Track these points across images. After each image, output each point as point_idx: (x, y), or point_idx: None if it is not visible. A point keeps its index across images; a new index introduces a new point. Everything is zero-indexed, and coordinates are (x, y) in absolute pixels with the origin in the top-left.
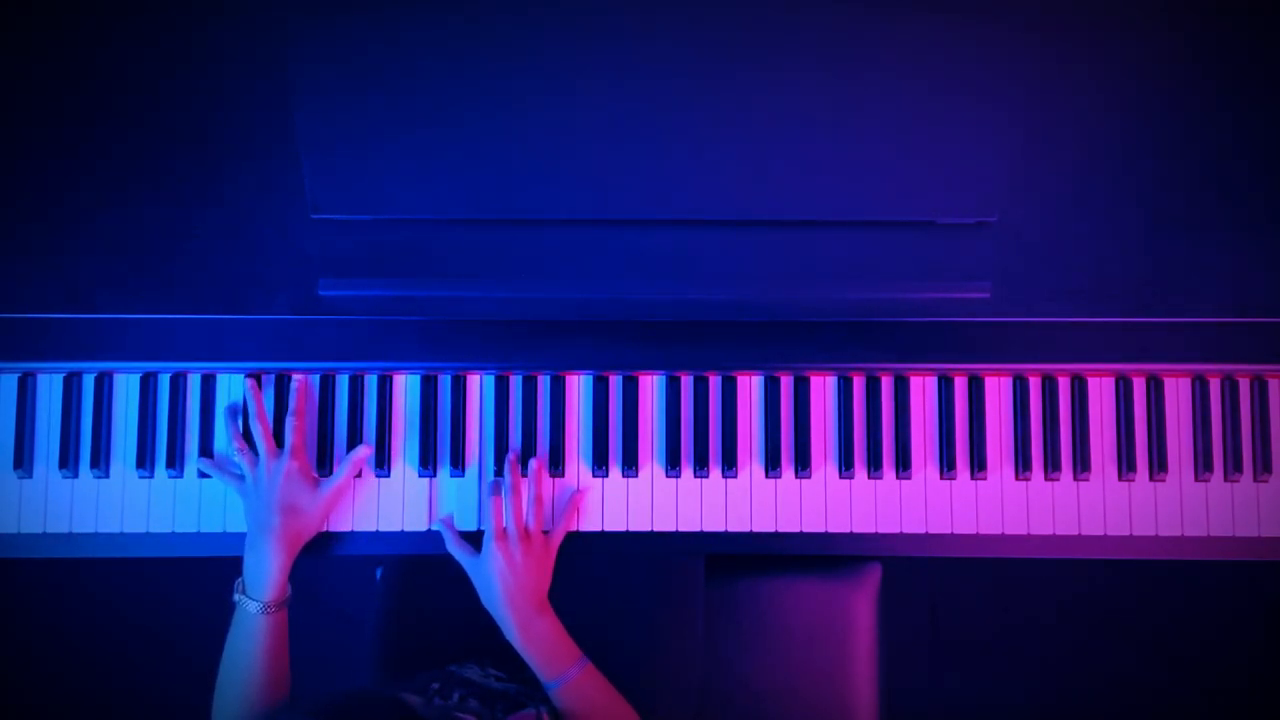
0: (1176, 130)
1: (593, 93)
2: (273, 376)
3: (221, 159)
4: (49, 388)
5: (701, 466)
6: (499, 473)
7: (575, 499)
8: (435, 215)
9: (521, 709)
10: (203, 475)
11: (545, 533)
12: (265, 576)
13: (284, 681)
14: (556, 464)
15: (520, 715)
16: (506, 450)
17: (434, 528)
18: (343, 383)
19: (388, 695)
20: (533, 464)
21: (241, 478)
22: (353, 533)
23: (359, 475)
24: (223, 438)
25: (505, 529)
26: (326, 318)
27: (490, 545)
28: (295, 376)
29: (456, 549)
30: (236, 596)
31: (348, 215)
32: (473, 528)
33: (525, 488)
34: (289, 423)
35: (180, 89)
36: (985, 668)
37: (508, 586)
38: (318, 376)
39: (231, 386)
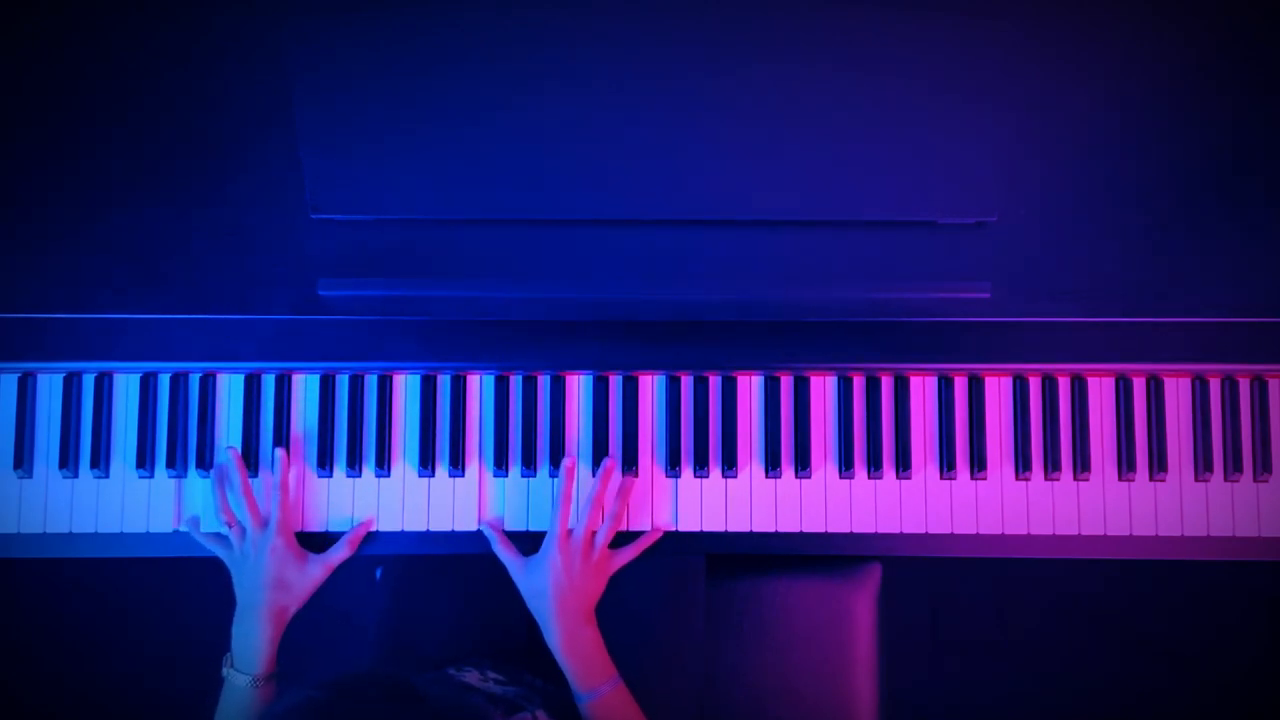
0: (1176, 130)
1: (593, 93)
2: (273, 376)
3: (221, 159)
4: (49, 388)
5: (701, 466)
6: (554, 473)
7: (625, 489)
8: (435, 215)
9: (519, 711)
10: (203, 475)
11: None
12: (254, 652)
13: None
14: (557, 464)
15: (517, 718)
16: (506, 450)
17: (480, 528)
18: (343, 383)
19: (400, 678)
20: (604, 464)
21: (229, 546)
22: None
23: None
24: (223, 443)
25: (571, 533)
26: (326, 318)
27: (552, 548)
28: (277, 451)
29: (503, 553)
30: (226, 671)
31: (348, 215)
32: (473, 528)
33: (599, 492)
34: (273, 497)
35: (180, 89)
36: (985, 668)
37: (562, 592)
38: (317, 377)
39: (232, 386)
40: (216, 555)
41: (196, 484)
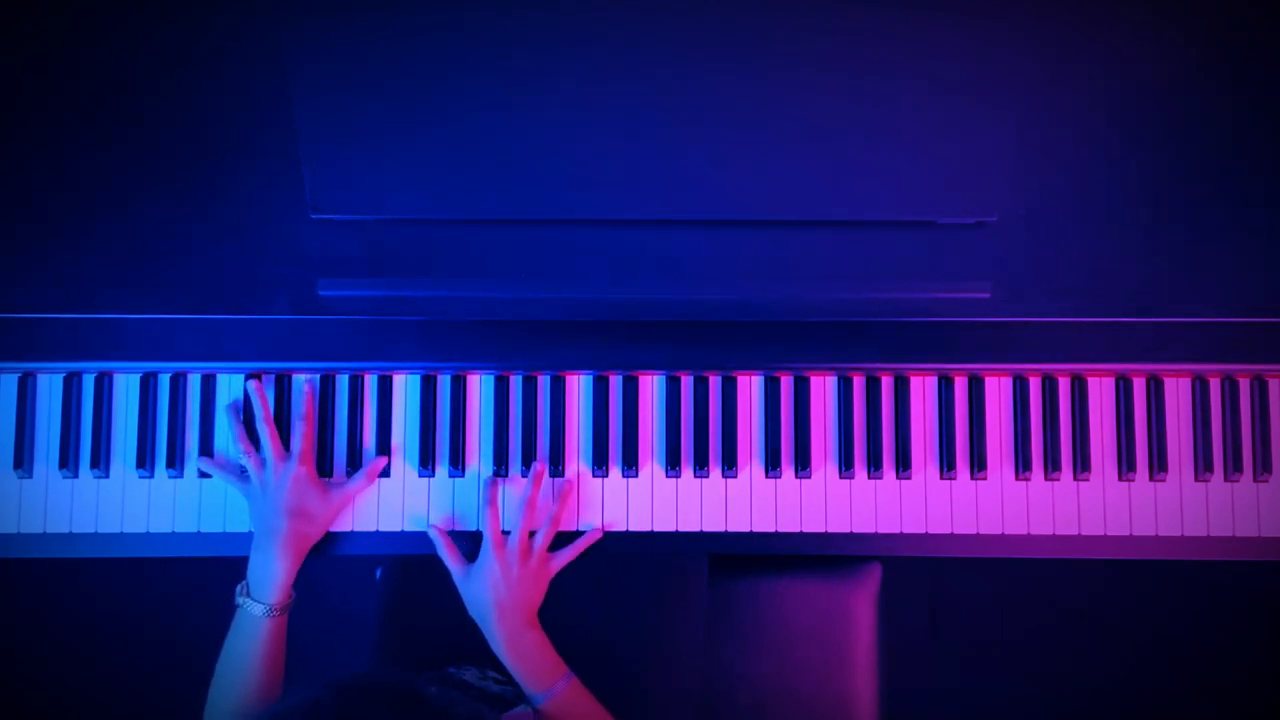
0: (1176, 130)
1: (593, 93)
2: (272, 376)
3: (221, 159)
4: (49, 388)
5: (701, 466)
6: (498, 474)
7: (564, 492)
8: (435, 215)
9: (514, 707)
10: (203, 475)
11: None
12: (271, 580)
13: (279, 685)
14: (556, 464)
15: (514, 714)
16: (506, 450)
17: (427, 531)
18: (343, 383)
19: (404, 681)
20: (535, 468)
21: (245, 478)
22: (352, 532)
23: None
24: (224, 436)
25: (505, 538)
26: (326, 318)
27: (489, 554)
28: (301, 380)
29: (448, 558)
30: (240, 599)
31: (348, 215)
32: (473, 527)
33: (532, 494)
34: (297, 427)
35: (180, 89)
36: (985, 668)
37: (500, 598)
38: (318, 377)
39: (232, 386)
40: (233, 485)
41: (196, 484)
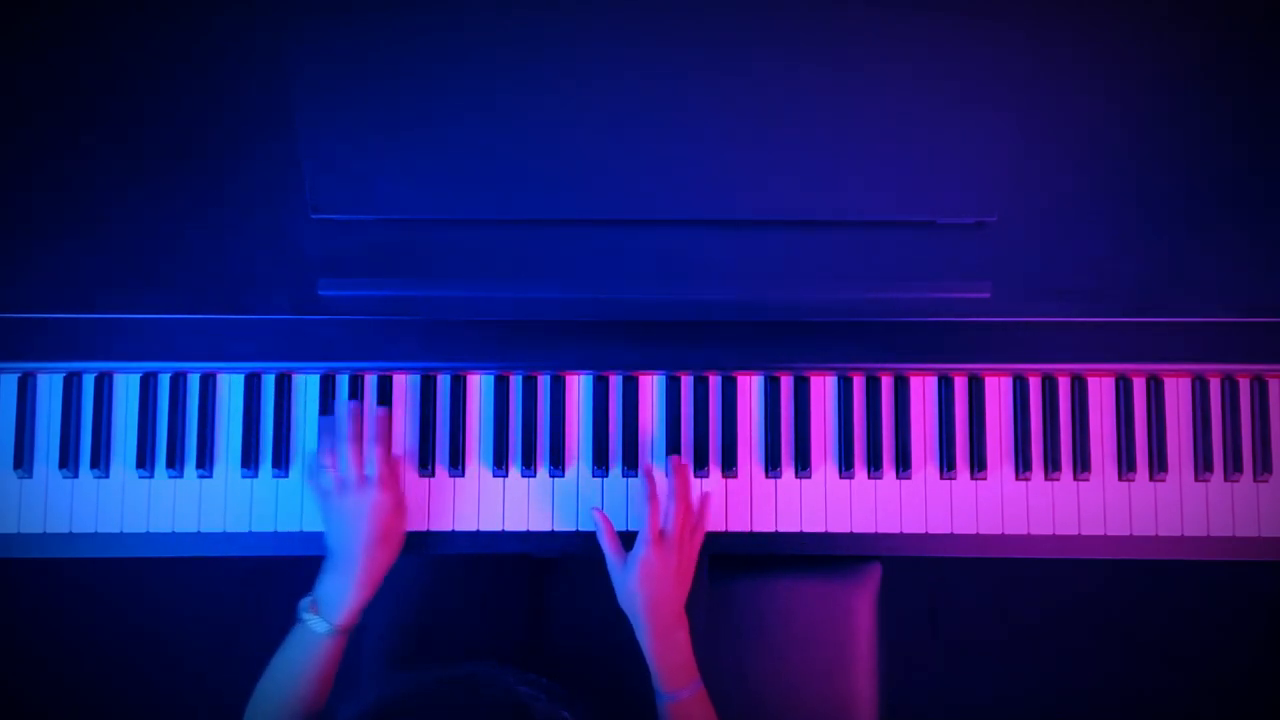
0: (1176, 129)
1: (593, 93)
2: (272, 376)
3: (221, 159)
4: (49, 388)
5: (701, 466)
6: (555, 473)
7: (707, 500)
8: (435, 215)
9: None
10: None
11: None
12: (344, 604)
13: (324, 699)
14: (557, 464)
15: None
16: (506, 450)
17: (592, 514)
18: (343, 383)
19: (511, 689)
20: (674, 461)
21: (325, 489)
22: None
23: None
24: (291, 443)
25: (664, 534)
26: (326, 318)
27: (647, 550)
28: (378, 408)
29: (607, 545)
30: (306, 615)
31: (348, 215)
32: (471, 528)
33: (687, 489)
34: (374, 452)
35: (180, 89)
36: (985, 668)
37: (655, 594)
38: (317, 378)
39: (232, 386)
40: (312, 492)
41: (196, 484)
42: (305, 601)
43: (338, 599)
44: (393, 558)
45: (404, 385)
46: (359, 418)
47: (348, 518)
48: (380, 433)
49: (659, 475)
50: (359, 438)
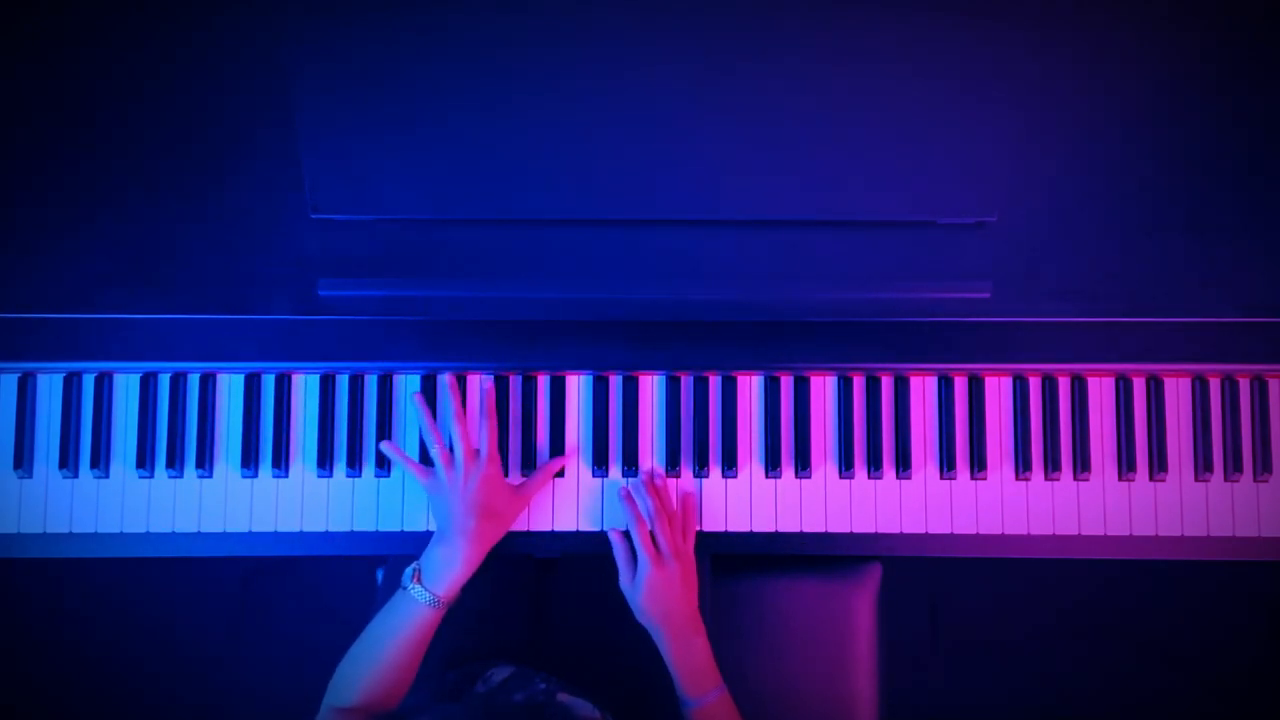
0: (1176, 130)
1: (593, 93)
2: (272, 376)
3: (221, 159)
4: (49, 388)
5: (701, 466)
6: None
7: (688, 500)
8: (435, 215)
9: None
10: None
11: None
12: (451, 575)
13: (411, 676)
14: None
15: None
16: (506, 451)
17: (608, 535)
18: (343, 383)
19: (552, 697)
20: (656, 477)
21: (428, 471)
22: (351, 533)
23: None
24: (369, 428)
25: (658, 548)
26: (326, 318)
27: (648, 568)
28: (483, 380)
29: (622, 565)
30: (409, 584)
31: (348, 215)
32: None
33: (664, 502)
34: (482, 425)
35: (180, 89)
36: (985, 668)
37: (666, 605)
38: (317, 377)
39: (232, 386)
40: (414, 476)
41: (196, 484)
42: (409, 570)
43: (443, 569)
44: (499, 534)
45: (404, 385)
46: (458, 393)
47: (459, 491)
48: (488, 408)
49: (638, 496)
50: (462, 414)
